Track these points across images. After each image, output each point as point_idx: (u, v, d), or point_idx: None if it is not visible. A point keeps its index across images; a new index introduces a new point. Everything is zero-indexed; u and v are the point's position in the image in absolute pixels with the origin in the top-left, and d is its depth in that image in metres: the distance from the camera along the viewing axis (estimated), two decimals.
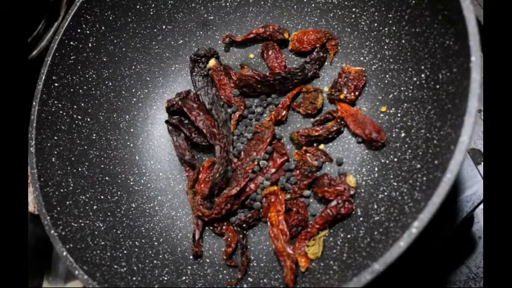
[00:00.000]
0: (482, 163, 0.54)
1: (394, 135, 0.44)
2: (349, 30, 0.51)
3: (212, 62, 0.56)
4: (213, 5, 0.57)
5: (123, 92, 0.56)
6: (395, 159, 0.43)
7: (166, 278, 0.45)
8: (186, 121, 0.54)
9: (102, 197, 0.49)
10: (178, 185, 0.54)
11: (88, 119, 0.52)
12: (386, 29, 0.47)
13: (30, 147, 0.45)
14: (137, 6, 0.55)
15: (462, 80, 0.33)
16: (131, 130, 0.56)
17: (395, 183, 0.41)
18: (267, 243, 0.47)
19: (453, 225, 0.46)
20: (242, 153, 0.51)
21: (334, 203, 0.43)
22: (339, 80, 0.50)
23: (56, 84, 0.49)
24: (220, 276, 0.46)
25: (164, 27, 0.57)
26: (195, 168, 0.52)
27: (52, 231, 0.40)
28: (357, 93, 0.49)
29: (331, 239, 0.44)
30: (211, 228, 0.50)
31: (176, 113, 0.54)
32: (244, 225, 0.47)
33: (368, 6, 0.49)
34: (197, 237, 0.48)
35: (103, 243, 0.44)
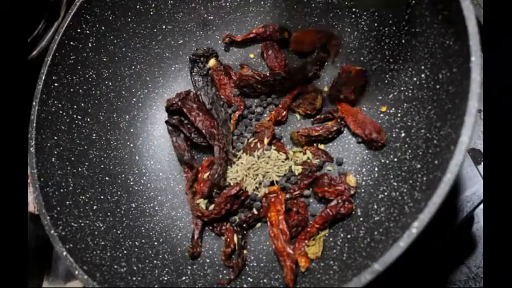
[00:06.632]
0: (482, 163, 0.54)
1: (394, 135, 0.44)
2: (349, 30, 0.51)
3: (212, 62, 0.56)
4: (213, 5, 0.57)
5: (123, 92, 0.56)
6: (395, 159, 0.43)
7: (166, 278, 0.45)
8: (186, 121, 0.54)
9: (102, 197, 0.49)
10: (178, 185, 0.54)
11: (88, 119, 0.52)
12: (386, 29, 0.47)
13: (30, 147, 0.44)
14: (137, 6, 0.54)
15: (462, 80, 0.33)
16: (131, 130, 0.56)
17: (395, 183, 0.41)
18: (267, 243, 0.47)
19: (453, 225, 0.46)
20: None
21: (334, 202, 0.43)
22: (339, 79, 0.50)
23: (56, 84, 0.49)
24: (220, 276, 0.46)
25: (164, 27, 0.57)
26: (193, 168, 0.52)
27: (52, 231, 0.40)
28: (357, 93, 0.49)
29: (331, 239, 0.44)
30: (210, 228, 0.50)
31: (176, 113, 0.54)
32: (244, 225, 0.47)
33: (368, 6, 0.49)
34: (196, 237, 0.48)
35: (103, 243, 0.44)
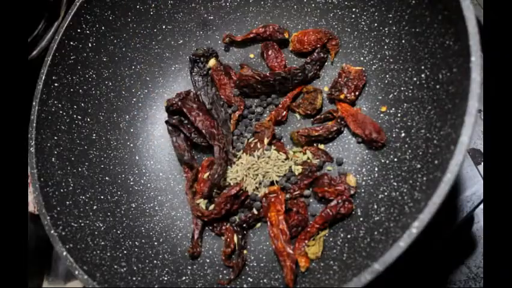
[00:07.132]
0: (482, 163, 0.54)
1: (394, 135, 0.44)
2: (349, 30, 0.51)
3: (212, 62, 0.56)
4: (213, 5, 0.57)
5: (123, 92, 0.56)
6: (395, 159, 0.43)
7: (166, 278, 0.45)
8: (186, 121, 0.54)
9: (102, 197, 0.49)
10: (178, 185, 0.54)
11: (88, 119, 0.52)
12: (386, 29, 0.47)
13: (30, 147, 0.45)
14: (137, 6, 0.55)
15: (462, 80, 0.33)
16: (131, 130, 0.56)
17: (395, 183, 0.41)
18: (267, 243, 0.47)
19: (453, 225, 0.46)
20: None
21: (334, 202, 0.43)
22: (339, 79, 0.50)
23: (56, 84, 0.49)
24: (220, 276, 0.46)
25: (164, 27, 0.57)
26: (193, 168, 0.52)
27: (52, 231, 0.40)
28: (357, 93, 0.49)
29: (331, 239, 0.44)
30: (210, 228, 0.50)
31: (176, 113, 0.54)
32: (244, 225, 0.47)
33: (368, 6, 0.49)
34: (196, 237, 0.48)
35: (103, 243, 0.44)
